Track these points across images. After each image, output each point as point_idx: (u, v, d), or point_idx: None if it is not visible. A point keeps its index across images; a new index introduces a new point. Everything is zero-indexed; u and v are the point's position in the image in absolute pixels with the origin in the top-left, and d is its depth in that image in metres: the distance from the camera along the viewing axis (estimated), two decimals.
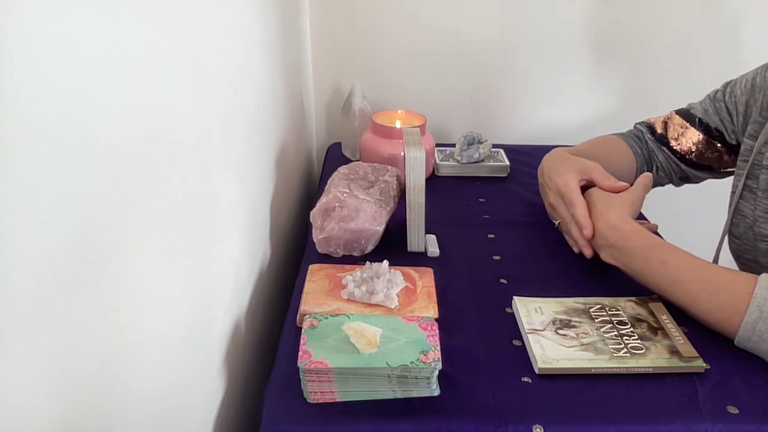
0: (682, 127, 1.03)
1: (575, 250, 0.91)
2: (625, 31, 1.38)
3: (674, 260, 0.78)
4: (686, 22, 1.38)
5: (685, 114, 1.03)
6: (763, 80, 0.90)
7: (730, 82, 0.98)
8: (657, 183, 1.10)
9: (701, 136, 1.00)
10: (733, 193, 0.92)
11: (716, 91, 1.00)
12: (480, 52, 1.39)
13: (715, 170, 1.04)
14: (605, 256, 0.83)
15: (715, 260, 0.94)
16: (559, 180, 0.92)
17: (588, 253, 0.88)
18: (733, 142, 0.97)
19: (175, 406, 0.57)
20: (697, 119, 1.01)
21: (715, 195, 1.14)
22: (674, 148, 1.04)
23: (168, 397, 0.55)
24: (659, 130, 1.06)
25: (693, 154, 1.02)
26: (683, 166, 1.04)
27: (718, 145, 0.99)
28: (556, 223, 0.96)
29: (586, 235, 0.86)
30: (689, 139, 1.02)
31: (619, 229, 0.82)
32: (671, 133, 1.04)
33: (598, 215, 0.84)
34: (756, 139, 0.88)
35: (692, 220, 1.44)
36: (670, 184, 1.11)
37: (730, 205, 0.92)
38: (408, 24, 1.36)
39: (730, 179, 0.97)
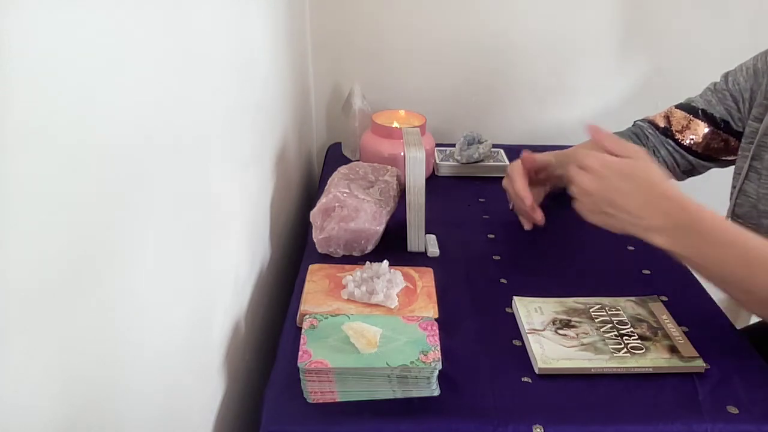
0: (685, 120, 1.03)
1: (525, 227, 0.96)
2: (625, 32, 1.38)
3: (753, 241, 0.70)
4: (687, 23, 1.38)
5: (686, 107, 1.04)
6: (764, 65, 0.92)
7: (728, 72, 1.00)
8: None
9: (706, 127, 1.01)
10: (737, 174, 0.92)
11: (716, 83, 1.02)
12: (480, 52, 1.39)
13: (720, 159, 1.04)
14: (664, 241, 0.72)
15: None
16: (510, 165, 1.00)
17: (531, 222, 0.95)
18: (740, 130, 0.98)
19: (175, 406, 0.57)
20: (699, 111, 1.01)
21: (716, 180, 1.14)
22: (679, 140, 1.04)
23: (168, 397, 0.55)
24: (662, 124, 1.06)
25: (699, 145, 1.03)
26: (690, 157, 1.05)
27: (724, 134, 1.00)
28: (511, 205, 1.01)
29: (527, 204, 0.92)
30: (694, 130, 1.03)
31: (688, 208, 0.71)
32: (675, 126, 1.05)
33: (657, 195, 0.73)
34: (761, 121, 0.89)
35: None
36: (673, 179, 1.11)
37: (734, 187, 0.93)
38: (408, 24, 1.36)
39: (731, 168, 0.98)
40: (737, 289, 0.71)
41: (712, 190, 1.17)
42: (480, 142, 1.23)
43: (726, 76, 1.00)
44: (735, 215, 0.91)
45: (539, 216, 0.94)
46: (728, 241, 0.70)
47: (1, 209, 0.31)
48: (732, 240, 0.71)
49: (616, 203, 0.74)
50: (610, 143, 0.78)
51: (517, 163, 0.97)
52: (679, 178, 1.10)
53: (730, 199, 0.93)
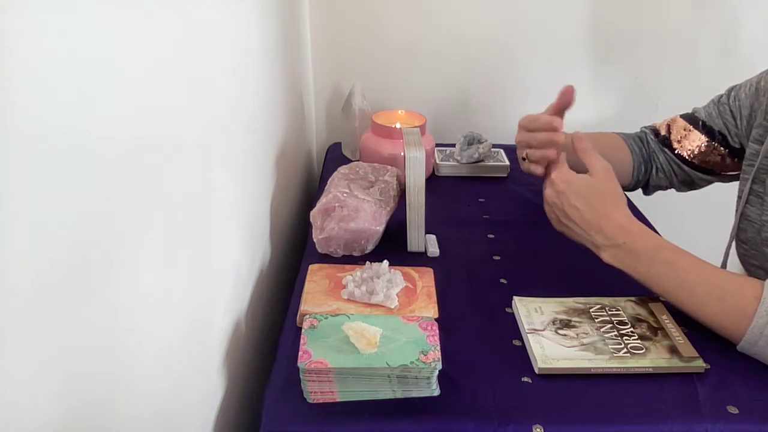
0: (685, 130, 1.03)
1: (537, 172, 0.91)
2: (625, 32, 1.39)
3: (681, 262, 0.76)
4: (686, 23, 1.38)
5: (689, 117, 1.04)
6: (767, 83, 0.90)
7: (735, 86, 0.98)
8: (657, 185, 1.10)
9: (704, 139, 1.01)
10: (739, 198, 0.91)
11: (720, 95, 1.00)
12: (480, 52, 1.39)
13: (718, 174, 1.03)
14: (608, 257, 0.80)
15: (723, 265, 0.93)
16: (521, 120, 0.96)
17: (545, 163, 0.88)
18: (737, 146, 0.97)
19: (175, 406, 0.57)
20: (700, 122, 1.01)
21: (721, 199, 1.14)
22: (676, 150, 1.04)
23: (168, 397, 0.55)
24: (663, 133, 1.06)
25: (695, 157, 1.02)
26: (686, 168, 1.04)
27: (721, 148, 0.99)
28: (524, 154, 0.95)
29: (559, 127, 0.88)
30: (692, 141, 1.02)
31: (628, 229, 0.79)
32: (674, 136, 1.04)
33: (601, 215, 0.80)
34: (761, 144, 0.87)
35: (699, 224, 1.44)
36: (672, 189, 1.11)
37: (736, 210, 0.91)
38: (408, 24, 1.36)
39: (735, 183, 0.96)
40: (677, 306, 0.78)
41: (719, 211, 1.18)
42: (480, 142, 1.23)
43: (730, 90, 0.99)
44: (739, 240, 0.90)
45: (552, 153, 0.88)
46: (664, 262, 0.77)
47: (1, 208, 0.31)
48: (668, 261, 0.77)
49: (570, 218, 0.83)
50: (582, 152, 0.85)
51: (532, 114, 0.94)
52: (678, 189, 1.10)
53: (734, 221, 0.92)
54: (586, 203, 0.82)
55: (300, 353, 0.64)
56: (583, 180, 0.83)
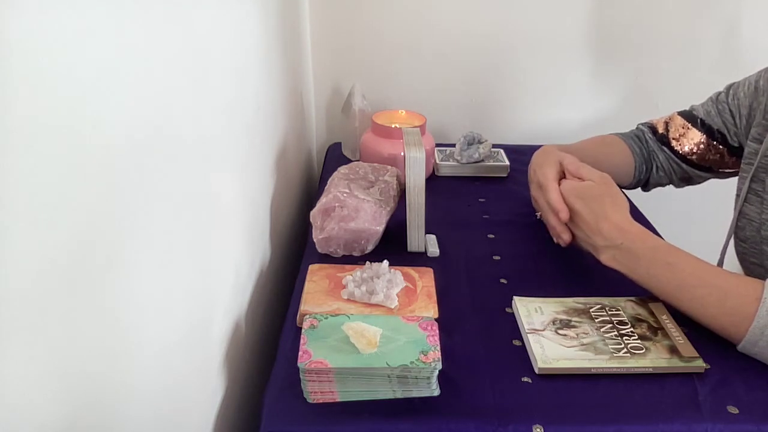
0: (683, 128, 1.03)
1: (555, 240, 0.90)
2: (625, 32, 1.39)
3: (681, 264, 0.76)
4: (686, 23, 1.38)
5: (687, 115, 1.03)
6: (766, 83, 0.90)
7: (732, 84, 0.98)
8: (657, 183, 1.10)
9: (703, 137, 1.00)
10: (738, 196, 0.91)
11: (719, 93, 1.00)
12: (480, 52, 1.39)
13: (716, 171, 1.03)
14: (607, 259, 0.80)
15: (720, 263, 0.94)
16: (539, 172, 0.93)
17: (566, 239, 0.87)
18: (736, 145, 0.97)
19: (175, 406, 0.57)
20: (699, 120, 1.01)
21: (719, 196, 1.14)
22: (675, 148, 1.04)
23: (168, 397, 0.55)
24: (660, 131, 1.06)
25: (694, 154, 1.02)
26: (684, 166, 1.04)
27: (720, 146, 0.99)
28: (538, 215, 0.97)
29: (563, 218, 0.85)
30: (690, 139, 1.02)
31: (626, 230, 0.79)
32: (672, 134, 1.04)
33: (599, 216, 0.81)
34: (760, 142, 0.87)
35: (696, 221, 1.44)
36: (671, 185, 1.11)
37: (735, 209, 0.92)
38: (408, 24, 1.36)
39: (733, 180, 0.96)
40: (677, 307, 0.78)
41: (717, 208, 1.18)
42: (480, 142, 1.23)
43: (729, 88, 0.99)
44: (738, 238, 0.90)
45: (567, 236, 0.87)
46: (664, 263, 0.77)
47: (2, 209, 0.31)
48: (667, 262, 0.76)
49: (574, 222, 0.85)
50: (576, 170, 0.88)
51: (550, 171, 0.90)
52: (677, 185, 1.10)
53: (732, 219, 0.92)
54: (585, 206, 0.83)
55: (300, 353, 0.64)
56: (583, 184, 0.85)
